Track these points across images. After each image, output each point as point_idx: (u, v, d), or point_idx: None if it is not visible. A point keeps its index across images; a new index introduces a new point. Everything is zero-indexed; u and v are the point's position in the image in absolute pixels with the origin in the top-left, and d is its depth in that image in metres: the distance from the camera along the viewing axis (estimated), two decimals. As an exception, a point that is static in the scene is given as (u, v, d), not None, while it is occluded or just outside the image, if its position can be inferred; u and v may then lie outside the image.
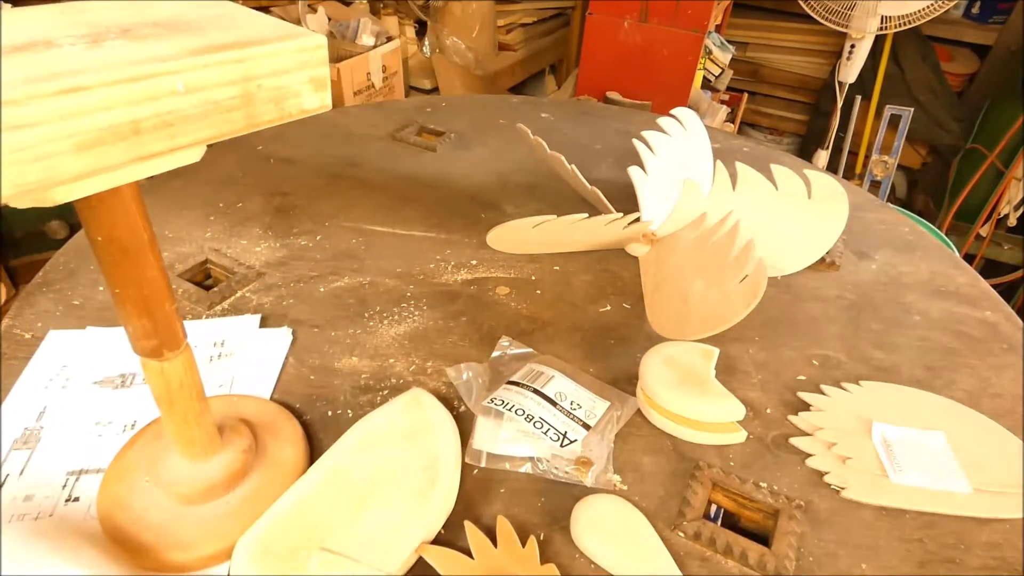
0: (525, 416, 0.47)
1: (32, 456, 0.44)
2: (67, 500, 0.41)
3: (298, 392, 0.50)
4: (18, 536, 0.36)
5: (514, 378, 0.50)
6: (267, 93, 0.27)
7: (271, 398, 0.49)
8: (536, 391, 0.49)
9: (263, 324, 0.56)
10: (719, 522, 0.44)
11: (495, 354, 0.55)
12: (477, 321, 0.59)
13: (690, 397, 0.47)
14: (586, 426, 0.47)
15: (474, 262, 0.66)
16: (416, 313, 0.59)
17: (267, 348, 0.53)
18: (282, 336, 0.54)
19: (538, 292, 0.63)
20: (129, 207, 0.30)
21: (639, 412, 0.50)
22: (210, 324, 0.55)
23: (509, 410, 0.47)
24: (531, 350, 0.55)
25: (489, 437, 0.47)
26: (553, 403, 0.48)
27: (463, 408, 0.50)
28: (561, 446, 0.46)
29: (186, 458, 0.39)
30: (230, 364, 0.52)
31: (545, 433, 0.46)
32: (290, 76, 0.27)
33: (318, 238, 0.67)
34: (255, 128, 0.27)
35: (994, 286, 0.71)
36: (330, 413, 0.49)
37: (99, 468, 0.43)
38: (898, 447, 0.48)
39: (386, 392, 0.51)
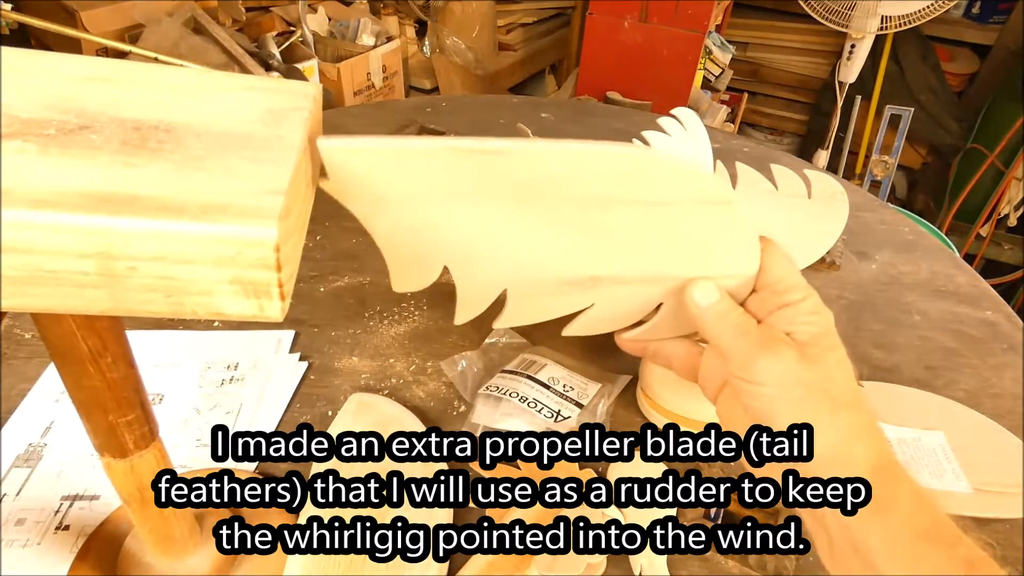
0: (519, 398, 0.48)
1: (31, 476, 0.43)
2: (57, 528, 0.40)
3: (298, 391, 0.50)
4: None
5: (508, 367, 0.51)
6: (146, 280, 0.20)
7: (275, 429, 0.48)
8: (530, 377, 0.50)
9: (261, 326, 0.56)
10: (719, 521, 0.44)
11: (489, 340, 0.55)
12: (477, 321, 0.59)
13: (690, 397, 0.47)
14: (579, 405, 0.49)
15: (474, 262, 0.66)
16: (416, 313, 0.59)
17: (280, 378, 0.51)
18: (295, 365, 0.52)
19: (538, 292, 0.63)
20: (63, 319, 0.24)
21: (639, 412, 0.50)
22: (232, 338, 0.54)
23: (504, 395, 0.48)
24: (524, 340, 0.56)
25: (487, 414, 0.49)
26: (546, 387, 0.50)
27: (462, 408, 0.50)
28: (555, 422, 0.48)
29: (166, 557, 0.35)
30: (239, 390, 0.50)
31: (539, 412, 0.48)
32: (192, 269, 0.20)
33: (318, 238, 0.67)
34: (137, 315, 0.21)
35: (994, 286, 0.71)
36: (330, 413, 0.49)
37: (93, 495, 0.42)
38: (898, 447, 0.48)
39: (386, 392, 0.51)
